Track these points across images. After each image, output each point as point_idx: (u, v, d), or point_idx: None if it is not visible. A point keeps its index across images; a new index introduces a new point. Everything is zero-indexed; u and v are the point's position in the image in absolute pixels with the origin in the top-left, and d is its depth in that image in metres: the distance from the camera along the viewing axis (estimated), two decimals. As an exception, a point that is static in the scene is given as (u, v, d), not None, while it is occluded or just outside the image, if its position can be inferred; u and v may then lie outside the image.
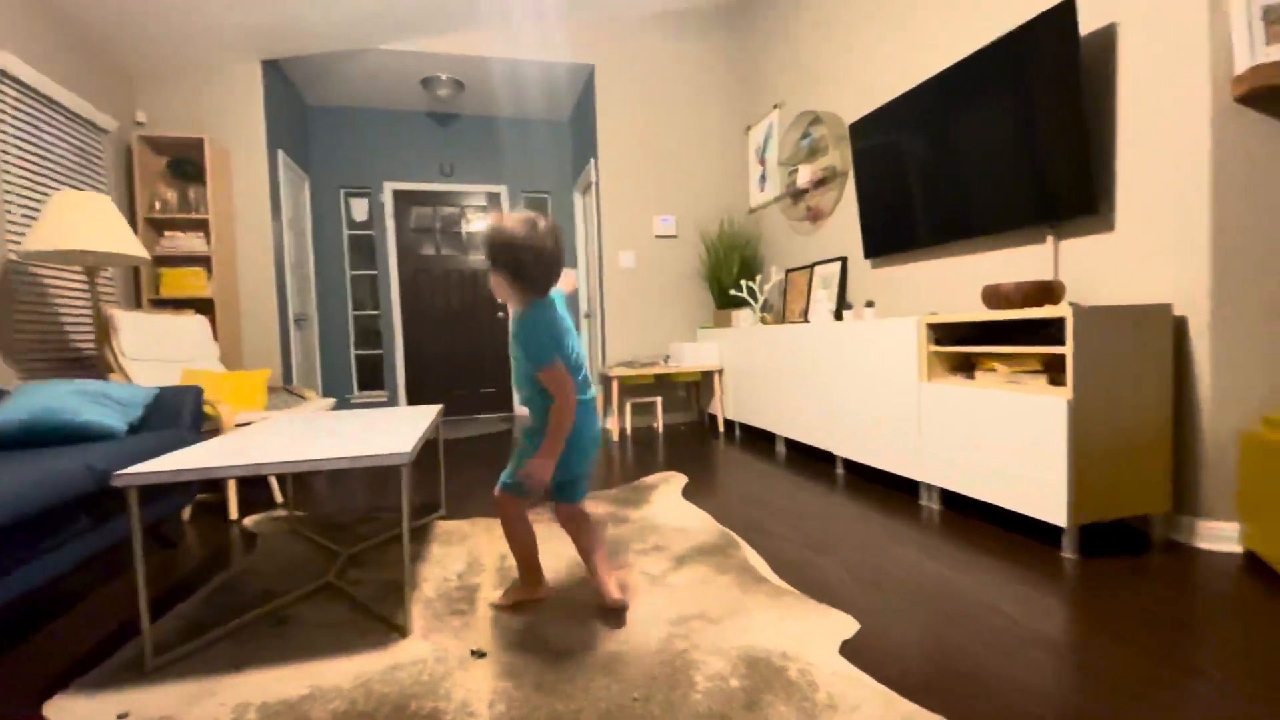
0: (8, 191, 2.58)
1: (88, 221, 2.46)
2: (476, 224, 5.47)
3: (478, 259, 5.48)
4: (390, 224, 5.23)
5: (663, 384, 4.52)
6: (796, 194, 3.85)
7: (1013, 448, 1.88)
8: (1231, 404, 1.76)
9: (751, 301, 4.01)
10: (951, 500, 2.28)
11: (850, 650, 1.28)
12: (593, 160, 4.55)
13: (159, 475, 1.25)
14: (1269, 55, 1.65)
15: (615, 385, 4.05)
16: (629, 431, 4.25)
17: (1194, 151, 1.77)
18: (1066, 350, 1.72)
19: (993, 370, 2.07)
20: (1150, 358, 1.78)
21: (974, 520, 2.09)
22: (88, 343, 2.97)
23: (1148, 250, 1.90)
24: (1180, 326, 1.82)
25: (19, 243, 2.59)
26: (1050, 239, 2.19)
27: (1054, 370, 1.90)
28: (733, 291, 4.17)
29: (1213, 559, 1.70)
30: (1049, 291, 1.96)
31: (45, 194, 2.80)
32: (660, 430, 4.25)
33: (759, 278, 4.17)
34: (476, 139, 5.37)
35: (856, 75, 3.26)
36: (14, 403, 1.83)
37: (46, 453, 1.66)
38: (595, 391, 1.54)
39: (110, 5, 3.03)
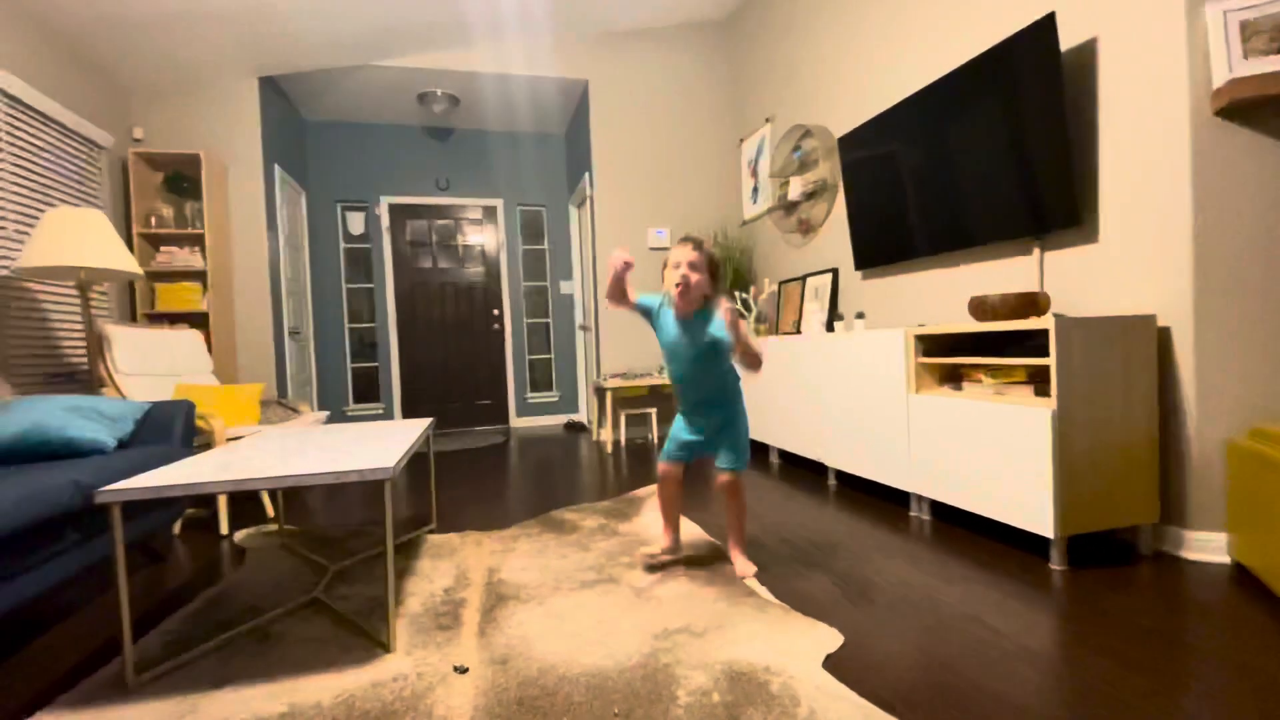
0: (2, 207, 2.61)
1: (81, 237, 2.47)
2: (473, 237, 5.51)
3: (474, 271, 5.51)
4: (386, 237, 5.26)
5: (657, 395, 4.52)
6: (788, 206, 3.88)
7: (999, 458, 1.88)
8: (1217, 414, 1.76)
9: (745, 313, 4.02)
10: (941, 511, 2.28)
11: (834, 664, 1.28)
12: (587, 174, 4.59)
13: (141, 492, 1.25)
14: (1246, 69, 1.68)
15: (610, 397, 4.04)
16: (623, 443, 4.24)
17: (1174, 164, 1.79)
18: (1050, 361, 1.73)
19: (979, 381, 2.07)
20: (1135, 369, 1.79)
21: (964, 531, 2.08)
22: (81, 358, 2.98)
23: (1131, 262, 1.92)
24: (1165, 337, 1.83)
25: (13, 259, 2.61)
26: (1036, 251, 2.20)
27: (1039, 381, 1.90)
28: (726, 303, 4.17)
29: (1200, 570, 1.70)
30: (1034, 303, 1.97)
31: (41, 210, 2.82)
32: (655, 442, 4.25)
33: (753, 289, 4.18)
34: (472, 153, 5.41)
35: (845, 90, 3.29)
36: (4, 418, 1.83)
37: (35, 468, 1.66)
38: None
39: (108, 24, 3.07)
